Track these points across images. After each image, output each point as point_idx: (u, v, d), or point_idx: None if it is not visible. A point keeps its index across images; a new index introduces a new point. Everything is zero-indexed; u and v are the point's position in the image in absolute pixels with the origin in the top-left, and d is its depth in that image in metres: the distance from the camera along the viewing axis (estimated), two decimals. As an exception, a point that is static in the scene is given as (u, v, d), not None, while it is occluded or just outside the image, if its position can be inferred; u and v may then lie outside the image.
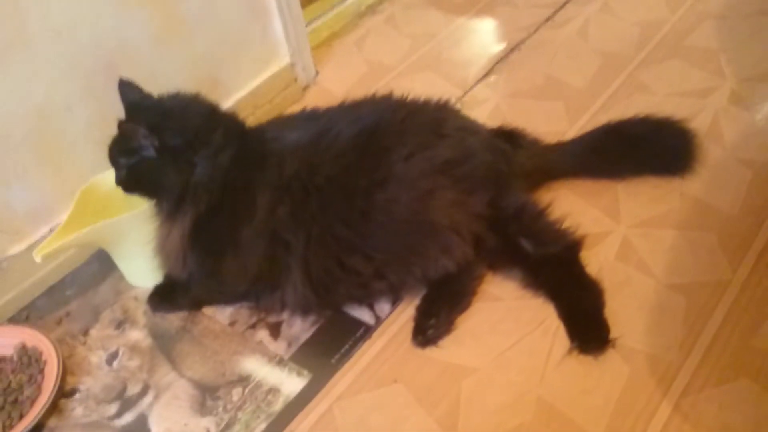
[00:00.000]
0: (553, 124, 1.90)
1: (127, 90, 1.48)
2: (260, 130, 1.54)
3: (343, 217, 1.40)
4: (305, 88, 2.24)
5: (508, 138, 1.66)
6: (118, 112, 1.71)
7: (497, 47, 2.29)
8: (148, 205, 1.50)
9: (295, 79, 2.19)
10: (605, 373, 1.31)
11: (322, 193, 1.42)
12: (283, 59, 2.15)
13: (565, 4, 2.44)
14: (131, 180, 1.46)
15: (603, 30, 2.27)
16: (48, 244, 1.45)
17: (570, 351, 1.36)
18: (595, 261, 1.50)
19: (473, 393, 1.33)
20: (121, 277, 1.70)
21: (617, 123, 1.69)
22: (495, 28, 2.40)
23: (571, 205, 1.62)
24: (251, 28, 2.02)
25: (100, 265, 1.75)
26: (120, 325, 1.59)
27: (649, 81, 2.01)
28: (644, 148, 1.66)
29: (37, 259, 1.42)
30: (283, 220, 1.42)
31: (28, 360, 1.48)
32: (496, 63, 2.21)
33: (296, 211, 1.42)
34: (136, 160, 1.43)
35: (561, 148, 1.71)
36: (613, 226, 1.60)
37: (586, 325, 1.38)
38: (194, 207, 1.43)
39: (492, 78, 2.16)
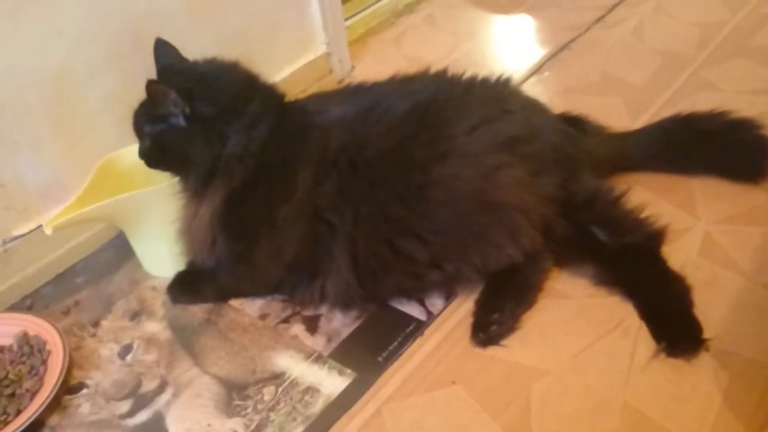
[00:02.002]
0: (614, 119, 1.72)
1: (163, 51, 1.33)
2: (301, 104, 1.39)
3: (397, 193, 1.24)
4: (340, 82, 2.09)
5: (573, 124, 1.50)
6: (144, 84, 1.57)
7: (546, 46, 2.15)
8: (173, 181, 1.34)
9: (330, 71, 2.05)
10: (701, 378, 1.13)
11: (373, 168, 1.25)
12: (320, 48, 2.02)
13: (615, 6, 2.31)
14: (156, 151, 1.30)
15: (659, 30, 2.14)
16: (60, 215, 1.28)
17: (657, 353, 1.18)
18: (675, 258, 1.31)
19: (546, 397, 1.14)
20: (138, 266, 1.53)
21: (689, 115, 1.53)
22: (541, 27, 2.27)
23: (643, 199, 1.43)
24: (289, 10, 1.88)
25: (116, 253, 1.58)
26: (135, 316, 1.41)
27: (715, 79, 1.85)
28: (718, 145, 1.49)
29: (47, 230, 1.25)
30: (328, 198, 1.26)
31: (30, 350, 1.30)
32: (547, 60, 2.06)
33: (343, 188, 1.26)
34: (163, 128, 1.27)
35: (630, 136, 1.55)
36: (692, 221, 1.43)
37: (675, 325, 1.20)
38: (226, 183, 1.27)
39: (544, 74, 2.01)
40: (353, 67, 2.16)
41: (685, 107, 1.57)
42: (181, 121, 1.26)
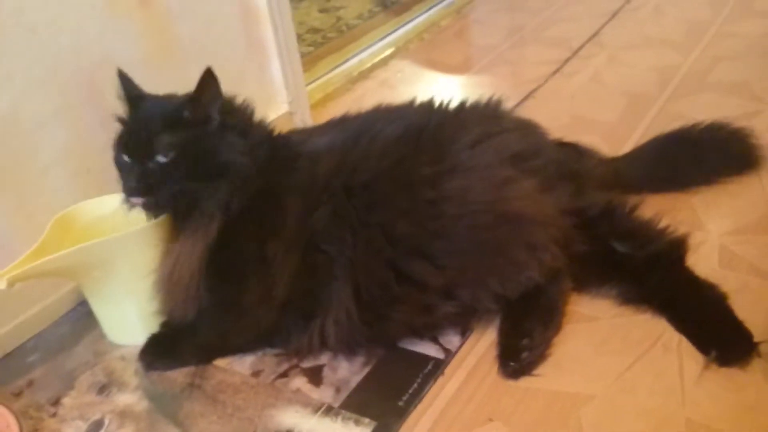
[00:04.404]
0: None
1: (129, 83, 1.20)
2: (285, 136, 1.29)
3: (401, 211, 1.12)
4: (303, 143, 1.99)
5: (566, 147, 1.44)
6: (100, 138, 1.43)
7: (508, 98, 2.12)
8: (148, 225, 1.18)
9: (292, 129, 1.95)
10: (761, 384, 1.03)
11: (370, 189, 1.15)
12: (282, 107, 1.93)
13: (568, 59, 2.32)
14: (181, 166, 1.11)
15: (617, 76, 2.15)
16: (17, 266, 1.10)
17: (707, 365, 1.06)
18: (698, 271, 1.22)
19: (599, 422, 1.01)
20: (101, 336, 1.33)
21: (672, 131, 1.52)
22: (499, 83, 2.25)
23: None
24: (248, 64, 1.80)
25: (73, 326, 1.39)
26: (104, 389, 1.21)
27: (685, 110, 1.85)
28: (706, 148, 1.48)
29: (1, 284, 1.06)
30: (322, 226, 1.14)
31: (-22, 436, 1.08)
32: (513, 108, 2.03)
33: (338, 214, 1.14)
34: (196, 134, 1.13)
35: (623, 158, 1.51)
36: (702, 236, 1.36)
37: (722, 333, 1.10)
38: (223, 212, 1.13)
39: (514, 118, 1.97)
40: (315, 129, 2.07)
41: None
42: (215, 127, 1.14)
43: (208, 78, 1.12)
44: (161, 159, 1.10)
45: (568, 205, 1.19)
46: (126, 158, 1.13)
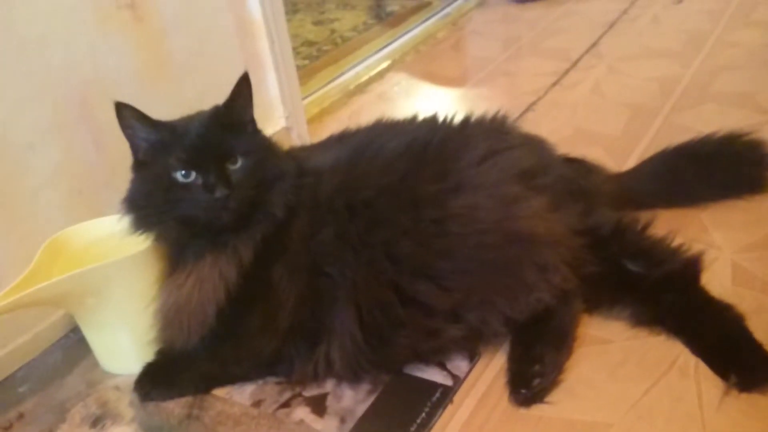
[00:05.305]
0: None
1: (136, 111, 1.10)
2: (287, 152, 1.24)
3: (404, 230, 1.08)
4: (301, 159, 1.95)
5: (573, 163, 1.40)
6: (92, 158, 1.39)
7: (508, 110, 2.09)
8: (143, 250, 1.14)
9: (291, 146, 1.91)
10: (785, 410, 0.98)
11: (372, 207, 1.11)
12: (279, 122, 1.89)
13: (568, 70, 2.30)
14: (251, 171, 1.08)
15: (618, 87, 2.12)
16: (6, 295, 1.05)
17: (727, 390, 1.02)
18: (711, 290, 1.18)
19: (618, 454, 0.96)
20: (95, 364, 1.28)
21: (680, 145, 1.47)
22: (498, 95, 2.22)
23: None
24: (245, 80, 1.76)
25: (65, 354, 1.34)
26: (98, 422, 1.16)
27: (690, 122, 1.82)
28: (716, 163, 1.43)
29: (-10, 315, 1.01)
30: (326, 248, 1.10)
31: (-34, 475, 1.03)
32: (515, 119, 1.99)
33: (341, 235, 1.10)
34: (248, 138, 1.12)
35: (629, 174, 1.47)
36: (714, 253, 1.32)
37: (740, 357, 1.06)
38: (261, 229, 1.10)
39: (515, 133, 1.93)
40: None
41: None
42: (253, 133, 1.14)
43: (244, 83, 1.10)
44: (238, 163, 1.07)
45: (578, 224, 1.15)
46: (193, 174, 1.06)
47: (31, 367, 1.32)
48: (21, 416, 1.20)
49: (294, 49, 2.03)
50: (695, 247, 1.22)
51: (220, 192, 1.04)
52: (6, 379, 1.29)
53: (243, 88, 1.11)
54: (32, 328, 1.34)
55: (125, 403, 1.19)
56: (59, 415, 1.19)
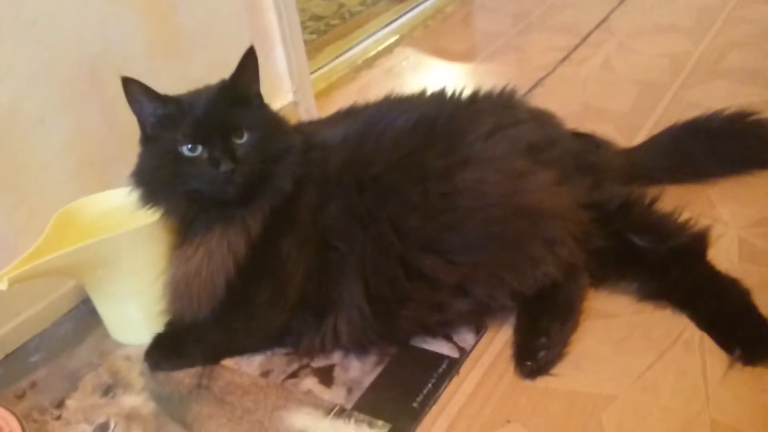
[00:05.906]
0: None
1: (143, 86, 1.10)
2: (295, 126, 1.24)
3: (412, 205, 1.09)
4: (308, 133, 1.95)
5: (582, 138, 1.40)
6: (102, 131, 1.40)
7: (518, 85, 2.08)
8: (153, 222, 1.14)
9: (298, 121, 1.91)
10: (789, 383, 0.99)
11: (380, 182, 1.11)
12: (287, 96, 1.89)
13: (577, 45, 2.28)
14: (258, 143, 1.08)
15: (628, 63, 2.11)
16: (17, 266, 1.06)
17: (732, 364, 1.03)
18: (718, 265, 1.18)
19: (621, 425, 0.98)
20: (106, 335, 1.30)
21: (690, 120, 1.47)
22: (507, 70, 2.20)
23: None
24: (253, 54, 1.75)
25: (76, 324, 1.35)
26: (109, 390, 1.18)
27: (699, 99, 1.81)
28: (726, 139, 1.42)
29: (2, 285, 1.02)
30: (334, 222, 1.11)
31: (-21, 442, 1.05)
32: (524, 95, 1.98)
33: (349, 209, 1.11)
34: (255, 111, 1.13)
35: (639, 149, 1.47)
36: (721, 229, 1.32)
37: (747, 331, 1.06)
38: (269, 200, 1.11)
39: (523, 108, 1.93)
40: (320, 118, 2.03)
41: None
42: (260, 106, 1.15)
43: (250, 56, 1.10)
44: (244, 137, 1.07)
45: (585, 198, 1.16)
46: (199, 149, 1.06)
47: (43, 337, 1.34)
48: (34, 384, 1.22)
49: (302, 23, 2.02)
50: (702, 223, 1.22)
51: (225, 166, 1.04)
52: (19, 348, 1.31)
53: (249, 61, 1.10)
54: (44, 298, 1.35)
55: (136, 372, 1.21)
56: (71, 384, 1.21)
